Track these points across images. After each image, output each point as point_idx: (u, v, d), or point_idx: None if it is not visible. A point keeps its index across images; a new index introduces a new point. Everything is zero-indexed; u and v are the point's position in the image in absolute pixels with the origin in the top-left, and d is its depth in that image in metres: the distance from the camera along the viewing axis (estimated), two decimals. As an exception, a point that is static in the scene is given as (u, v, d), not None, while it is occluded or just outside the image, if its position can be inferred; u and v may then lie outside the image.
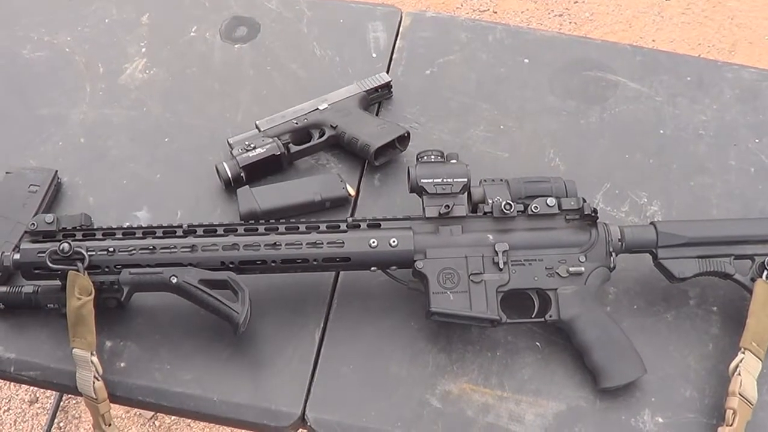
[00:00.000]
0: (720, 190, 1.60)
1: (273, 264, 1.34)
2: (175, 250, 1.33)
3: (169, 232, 1.35)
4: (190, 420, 2.42)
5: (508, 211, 1.36)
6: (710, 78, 1.79)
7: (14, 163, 1.59)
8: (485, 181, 1.41)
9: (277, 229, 1.36)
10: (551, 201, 1.37)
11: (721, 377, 1.34)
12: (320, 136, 1.62)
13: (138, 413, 2.53)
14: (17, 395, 2.57)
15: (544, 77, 1.79)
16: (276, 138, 1.59)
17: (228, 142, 1.60)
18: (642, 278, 1.45)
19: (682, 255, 1.37)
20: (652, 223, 1.39)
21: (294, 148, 1.60)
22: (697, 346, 1.40)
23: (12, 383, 2.53)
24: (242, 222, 1.39)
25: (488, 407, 1.33)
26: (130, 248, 1.33)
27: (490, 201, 1.38)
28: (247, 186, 1.53)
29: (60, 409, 2.54)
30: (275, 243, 1.33)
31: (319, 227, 1.36)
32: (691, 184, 1.61)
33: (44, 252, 1.30)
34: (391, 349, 1.39)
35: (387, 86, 1.72)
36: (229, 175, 1.54)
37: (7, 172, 1.55)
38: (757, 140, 1.67)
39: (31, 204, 1.50)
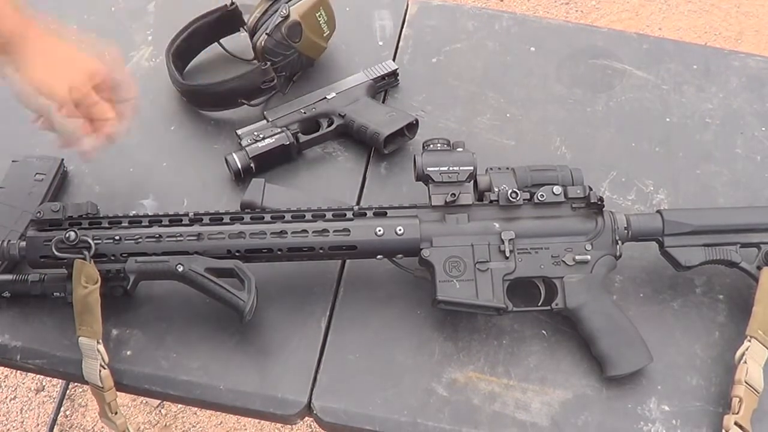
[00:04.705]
0: (726, 178, 1.59)
1: (279, 252, 1.34)
2: (182, 238, 1.33)
3: (176, 220, 1.35)
4: (196, 408, 2.43)
5: (514, 200, 1.36)
6: (717, 66, 1.78)
7: (20, 151, 1.58)
8: (491, 169, 1.40)
9: (284, 217, 1.35)
10: (557, 189, 1.37)
11: (727, 365, 1.34)
12: (329, 125, 1.62)
13: (144, 401, 2.53)
14: (23, 384, 2.58)
15: (550, 65, 1.78)
16: (285, 128, 1.59)
17: (236, 133, 1.59)
18: (648, 266, 1.45)
19: (689, 243, 1.37)
20: (658, 211, 1.39)
21: (303, 138, 1.60)
22: (704, 334, 1.40)
23: (18, 372, 2.53)
24: (248, 210, 1.39)
25: (494, 395, 1.33)
26: (136, 237, 1.33)
27: (497, 189, 1.37)
28: (263, 179, 1.50)
29: (66, 397, 2.54)
30: (281, 231, 1.33)
31: (325, 215, 1.36)
32: (698, 173, 1.60)
33: (50, 240, 1.30)
34: (397, 338, 1.39)
35: (393, 74, 1.71)
36: (239, 167, 1.54)
37: (13, 161, 1.55)
38: (763, 128, 1.67)
39: (37, 192, 1.50)
